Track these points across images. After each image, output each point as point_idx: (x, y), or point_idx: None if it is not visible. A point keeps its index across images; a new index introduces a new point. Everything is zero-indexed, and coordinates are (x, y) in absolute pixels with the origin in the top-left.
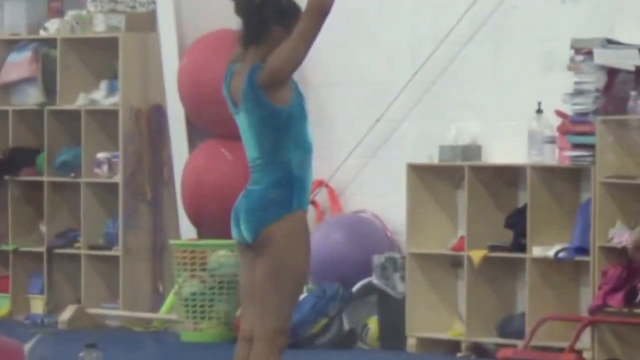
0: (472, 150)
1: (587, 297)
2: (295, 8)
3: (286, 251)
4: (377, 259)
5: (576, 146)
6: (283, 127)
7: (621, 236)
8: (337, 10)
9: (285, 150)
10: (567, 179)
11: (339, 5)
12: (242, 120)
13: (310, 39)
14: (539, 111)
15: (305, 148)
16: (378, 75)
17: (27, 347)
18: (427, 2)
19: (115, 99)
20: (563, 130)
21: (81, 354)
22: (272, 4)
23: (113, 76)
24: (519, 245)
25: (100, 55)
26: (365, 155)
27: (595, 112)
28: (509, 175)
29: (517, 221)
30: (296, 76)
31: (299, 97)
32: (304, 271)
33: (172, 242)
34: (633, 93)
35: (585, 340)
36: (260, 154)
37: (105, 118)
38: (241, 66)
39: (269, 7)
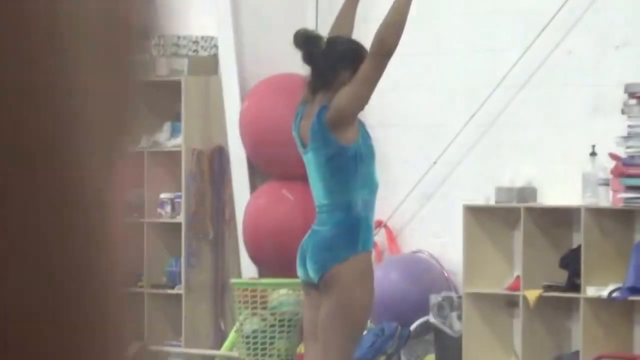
0: (527, 192)
1: None
2: (361, 51)
3: (351, 293)
4: (434, 298)
5: (629, 188)
6: (350, 166)
7: None
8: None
9: (351, 191)
10: (620, 220)
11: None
12: (309, 160)
13: (373, 81)
14: (593, 154)
15: (371, 188)
16: (434, 118)
17: None
18: (481, 46)
19: (178, 141)
20: (616, 173)
21: None
22: (338, 50)
23: (176, 118)
24: (573, 285)
25: (163, 98)
26: (422, 197)
27: None
28: (564, 217)
29: (571, 261)
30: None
31: (366, 137)
32: (367, 313)
33: (233, 280)
34: None
35: None
36: (327, 195)
37: (168, 159)
38: (310, 108)
39: (335, 53)
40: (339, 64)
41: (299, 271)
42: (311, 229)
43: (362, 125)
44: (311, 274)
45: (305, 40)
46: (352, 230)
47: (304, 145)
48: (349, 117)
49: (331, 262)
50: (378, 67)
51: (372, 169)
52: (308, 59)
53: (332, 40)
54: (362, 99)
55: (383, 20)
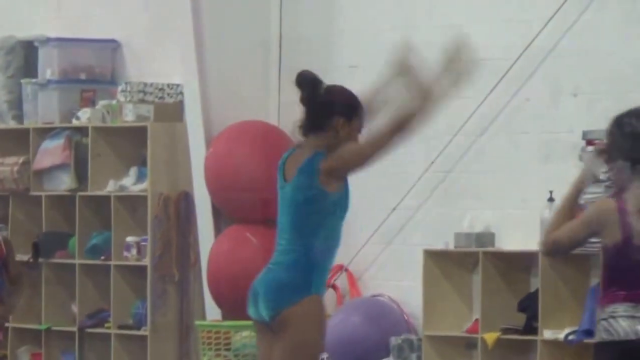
0: (486, 237)
1: None
2: (358, 102)
3: (304, 335)
4: (395, 341)
5: None
6: (324, 212)
7: None
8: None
9: (315, 236)
10: (576, 265)
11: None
12: (285, 196)
13: (384, 149)
14: (551, 199)
15: (334, 240)
16: (393, 163)
17: None
18: None
19: (144, 186)
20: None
21: None
22: (336, 95)
23: (142, 163)
24: (531, 328)
25: (129, 143)
26: (383, 241)
27: None
28: (522, 261)
29: (529, 305)
30: None
31: (347, 191)
32: (319, 352)
33: (197, 322)
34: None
35: None
36: (291, 233)
37: (134, 203)
38: (300, 151)
39: (333, 98)
40: (336, 109)
41: (250, 310)
42: (266, 267)
43: (347, 180)
44: (263, 313)
45: (308, 82)
46: (306, 272)
47: (284, 179)
48: (348, 172)
49: (284, 304)
50: (396, 138)
51: (341, 223)
52: (305, 99)
53: (332, 88)
54: (368, 161)
55: (410, 109)
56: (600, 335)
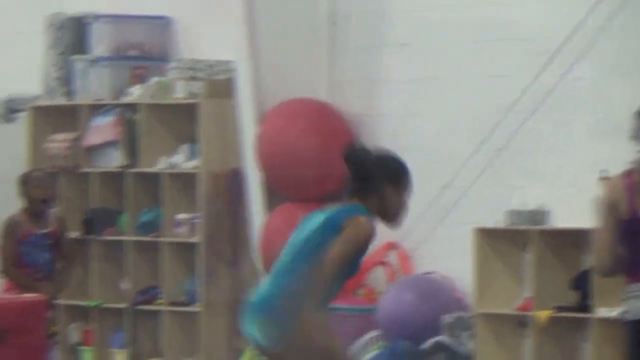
0: (538, 215)
1: None
2: (405, 170)
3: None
4: (447, 318)
5: None
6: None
7: None
8: (403, 78)
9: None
10: None
11: (405, 74)
12: (307, 223)
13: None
14: (602, 177)
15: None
16: (445, 142)
17: None
18: (493, 72)
19: (194, 163)
20: None
21: None
22: (386, 166)
23: (192, 141)
24: (584, 306)
25: (180, 121)
26: (435, 219)
27: None
28: (574, 239)
29: (582, 283)
30: (368, 140)
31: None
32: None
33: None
34: None
35: None
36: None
37: (185, 181)
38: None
39: (383, 168)
40: (385, 175)
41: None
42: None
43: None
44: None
45: (356, 159)
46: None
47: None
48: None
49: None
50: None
51: (342, 283)
52: (354, 170)
53: (383, 157)
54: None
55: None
56: (623, 315)
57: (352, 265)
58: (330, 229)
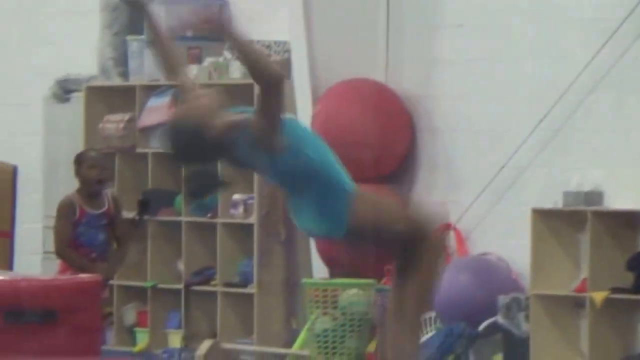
0: (594, 196)
1: None
2: None
3: None
4: (502, 300)
5: None
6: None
7: None
8: (459, 59)
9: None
10: None
11: (461, 55)
12: None
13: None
14: None
15: None
16: (501, 123)
17: None
18: (549, 52)
19: None
20: None
21: None
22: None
23: None
24: None
25: (236, 101)
26: (491, 200)
27: None
28: (631, 220)
29: (638, 264)
30: (424, 121)
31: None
32: None
33: (305, 280)
34: None
35: None
36: None
37: None
38: None
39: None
40: None
41: None
42: None
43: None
44: None
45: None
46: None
47: None
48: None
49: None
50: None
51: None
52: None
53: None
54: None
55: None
56: None
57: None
58: None
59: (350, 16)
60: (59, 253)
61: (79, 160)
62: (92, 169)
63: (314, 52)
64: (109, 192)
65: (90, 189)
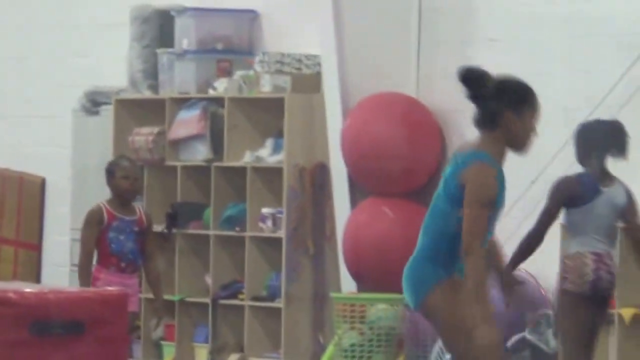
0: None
1: None
2: (528, 93)
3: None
4: (531, 315)
5: None
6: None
7: None
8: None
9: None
10: None
11: (493, 69)
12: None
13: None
14: None
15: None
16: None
17: None
18: (580, 67)
19: (280, 157)
20: None
21: None
22: (506, 91)
23: (278, 135)
24: None
25: (266, 115)
26: (520, 215)
27: None
28: None
29: None
30: (455, 136)
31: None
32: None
33: (333, 294)
34: None
35: None
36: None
37: (270, 175)
38: (469, 144)
39: (503, 94)
40: (505, 104)
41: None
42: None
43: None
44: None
45: (473, 80)
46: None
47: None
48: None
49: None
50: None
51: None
52: (474, 96)
53: (502, 81)
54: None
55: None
56: None
57: (491, 215)
58: (451, 188)
59: (382, 30)
60: (80, 265)
61: (112, 169)
62: (124, 180)
63: (344, 65)
64: (140, 205)
65: (122, 199)
